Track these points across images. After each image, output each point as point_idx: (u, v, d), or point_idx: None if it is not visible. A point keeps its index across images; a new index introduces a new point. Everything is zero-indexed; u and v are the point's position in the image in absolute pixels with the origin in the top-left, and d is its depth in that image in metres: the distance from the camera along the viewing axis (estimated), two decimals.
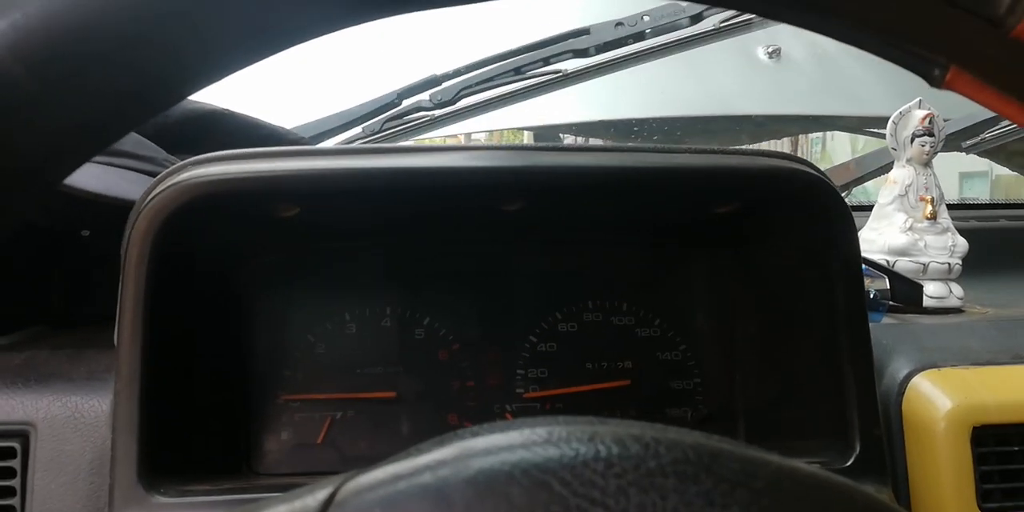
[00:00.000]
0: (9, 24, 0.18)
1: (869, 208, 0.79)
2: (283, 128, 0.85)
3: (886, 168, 1.04)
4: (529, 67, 1.03)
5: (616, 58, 1.08)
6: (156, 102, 0.21)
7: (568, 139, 1.39)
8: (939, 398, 0.52)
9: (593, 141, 1.43)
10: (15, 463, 0.49)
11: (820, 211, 0.52)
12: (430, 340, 0.60)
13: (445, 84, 1.01)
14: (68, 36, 0.18)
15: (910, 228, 0.75)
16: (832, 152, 2.01)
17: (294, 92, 1.07)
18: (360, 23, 0.23)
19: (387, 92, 1.01)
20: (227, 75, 0.22)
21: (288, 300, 0.59)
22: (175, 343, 0.49)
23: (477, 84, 1.01)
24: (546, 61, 1.03)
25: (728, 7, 0.23)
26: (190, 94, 0.22)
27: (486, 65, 1.02)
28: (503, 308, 0.61)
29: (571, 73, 1.08)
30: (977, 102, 0.24)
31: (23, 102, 0.18)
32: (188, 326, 0.51)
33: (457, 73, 1.02)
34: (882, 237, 0.76)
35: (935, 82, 0.24)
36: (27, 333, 0.63)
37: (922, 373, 0.54)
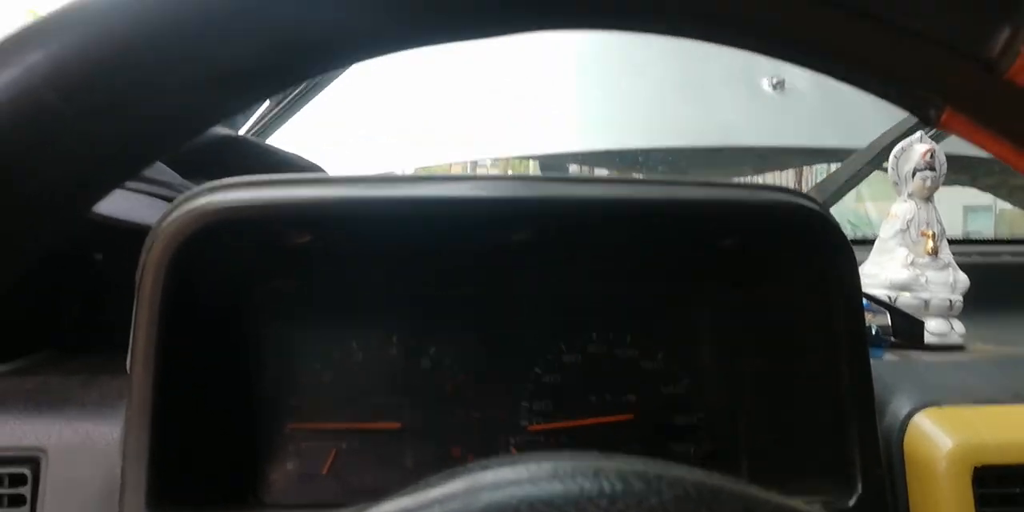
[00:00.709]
0: (46, 55, 0.18)
1: (871, 242, 0.80)
2: (295, 154, 0.87)
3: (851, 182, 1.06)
4: None
5: None
6: (189, 128, 0.21)
7: (574, 168, 1.40)
8: (940, 437, 0.52)
9: (599, 170, 1.44)
10: (25, 490, 0.49)
11: (821, 245, 0.53)
12: (435, 370, 0.60)
13: None
14: (105, 65, 0.18)
15: (911, 263, 0.76)
16: None
17: None
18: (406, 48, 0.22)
19: None
20: (263, 100, 0.22)
21: (296, 327, 0.59)
22: (186, 370, 0.49)
23: None
24: None
25: (724, 44, 0.24)
26: (223, 120, 0.23)
27: None
28: (508, 338, 0.61)
29: None
30: (972, 143, 0.25)
31: (59, 131, 0.18)
32: (199, 353, 0.52)
33: None
34: (884, 272, 0.76)
35: (930, 122, 0.24)
36: (38, 358, 0.64)
37: (923, 411, 0.54)
